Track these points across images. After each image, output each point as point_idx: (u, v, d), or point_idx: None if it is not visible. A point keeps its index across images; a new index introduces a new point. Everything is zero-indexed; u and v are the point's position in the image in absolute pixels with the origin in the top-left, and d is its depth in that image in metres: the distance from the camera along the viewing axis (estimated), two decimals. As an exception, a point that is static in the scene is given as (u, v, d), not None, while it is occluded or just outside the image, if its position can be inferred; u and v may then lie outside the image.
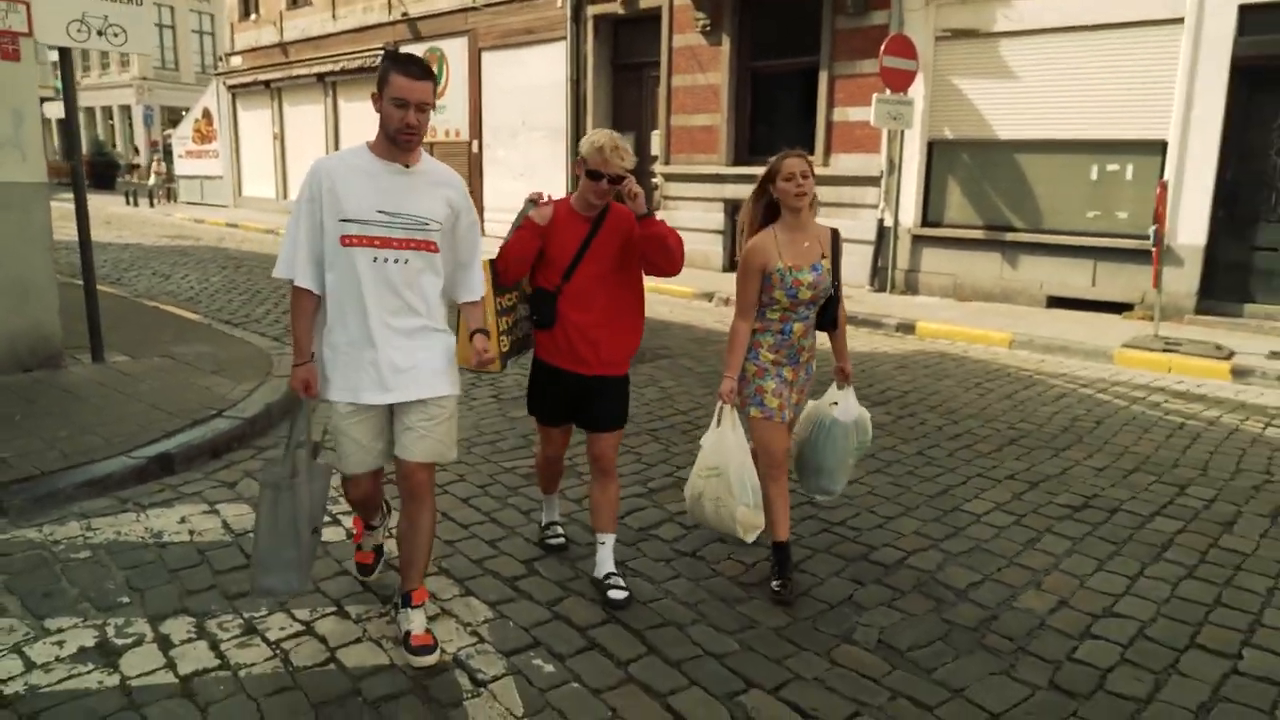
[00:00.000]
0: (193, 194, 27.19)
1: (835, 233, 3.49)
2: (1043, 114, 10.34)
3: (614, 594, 3.27)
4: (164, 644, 2.95)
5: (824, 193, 11.39)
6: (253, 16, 23.71)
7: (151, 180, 27.52)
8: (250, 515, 3.93)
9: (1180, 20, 9.29)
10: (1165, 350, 8.11)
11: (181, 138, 27.80)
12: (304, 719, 2.60)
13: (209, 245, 16.29)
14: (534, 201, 3.26)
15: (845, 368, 3.68)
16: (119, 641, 2.96)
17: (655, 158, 14.17)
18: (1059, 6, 10.04)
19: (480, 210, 17.17)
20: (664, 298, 10.87)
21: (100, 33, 5.72)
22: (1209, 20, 9.14)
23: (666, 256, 3.22)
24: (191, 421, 4.96)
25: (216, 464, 4.66)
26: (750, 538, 3.29)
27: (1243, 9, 8.98)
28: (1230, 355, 7.92)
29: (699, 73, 13.25)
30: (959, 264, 11.10)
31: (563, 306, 3.24)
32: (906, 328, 9.39)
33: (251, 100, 24.14)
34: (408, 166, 2.77)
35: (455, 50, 17.29)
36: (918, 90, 10.93)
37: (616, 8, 14.15)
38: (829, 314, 3.46)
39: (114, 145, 38.03)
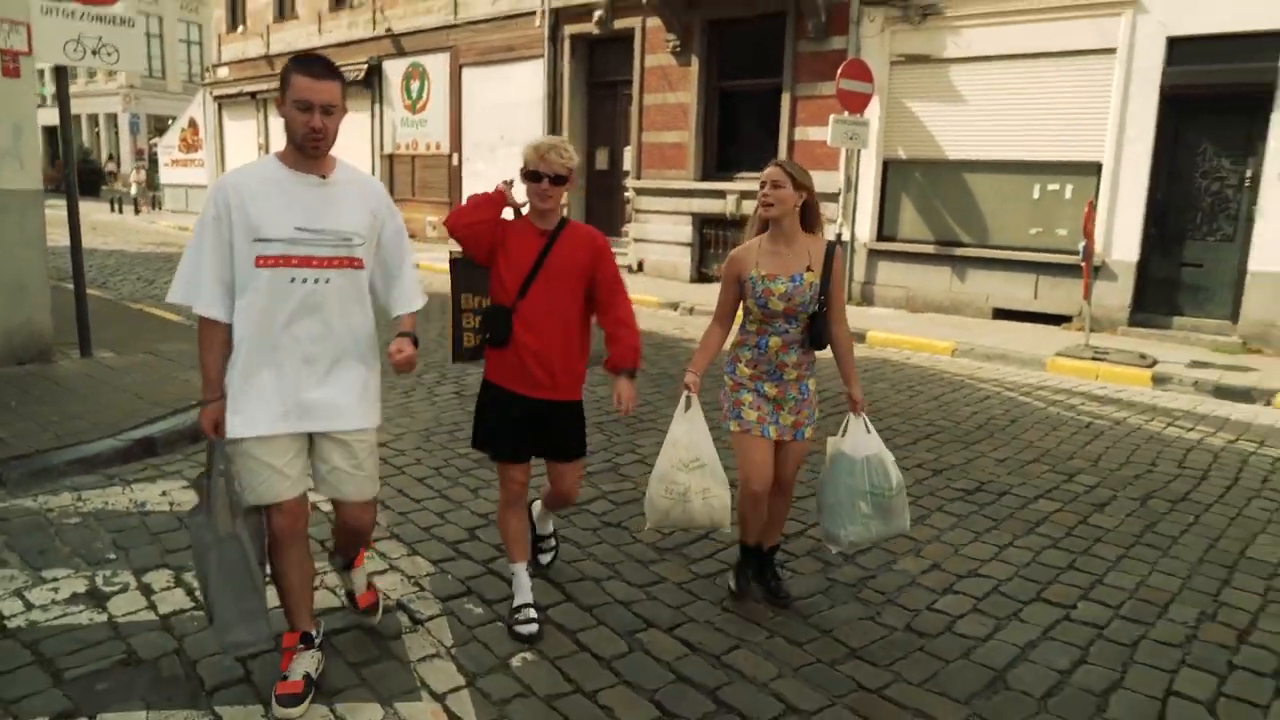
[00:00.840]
0: (178, 202, 27.58)
1: (831, 246, 3.29)
2: (989, 136, 10.95)
3: (542, 557, 3.61)
4: (146, 590, 3.41)
5: (784, 208, 12.03)
6: (240, 28, 24.16)
7: (133, 189, 27.90)
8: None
9: (1113, 50, 9.92)
10: (1094, 359, 8.67)
11: (168, 147, 28.21)
12: (265, 648, 3.06)
13: (193, 252, 16.69)
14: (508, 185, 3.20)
15: (853, 393, 3.36)
16: (107, 589, 3.41)
17: (628, 173, 14.70)
18: (1002, 35, 10.66)
19: (459, 221, 17.73)
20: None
21: (94, 52, 6.19)
22: (1139, 51, 9.78)
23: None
24: (172, 410, 5.41)
25: (195, 448, 5.10)
26: (727, 528, 3.33)
27: (1171, 41, 9.61)
28: (1153, 364, 8.49)
29: (669, 91, 13.81)
30: (912, 277, 11.67)
31: (517, 326, 3.10)
32: (858, 336, 9.91)
33: (238, 111, 24.57)
34: (324, 177, 2.60)
35: (437, 65, 17.81)
36: (873, 112, 11.51)
37: (592, 28, 14.71)
38: (815, 330, 3.24)
39: (100, 153, 38.31)
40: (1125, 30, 9.80)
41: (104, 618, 3.20)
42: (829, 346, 3.33)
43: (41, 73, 23.92)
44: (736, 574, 3.54)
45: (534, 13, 15.50)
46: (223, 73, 25.03)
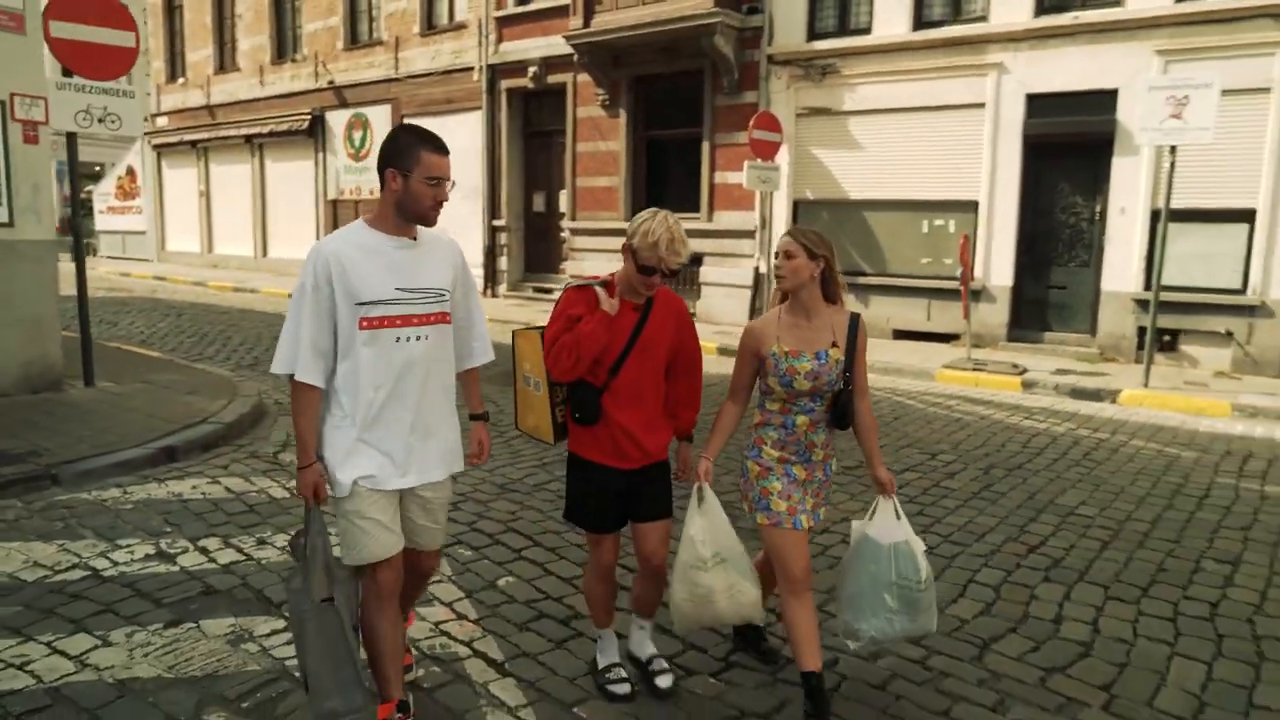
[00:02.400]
0: (114, 248, 27.81)
1: (855, 319, 3.05)
2: (883, 178, 12.45)
3: (661, 680, 3.19)
4: (203, 551, 4.34)
5: (708, 244, 13.45)
6: (180, 80, 24.80)
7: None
8: (248, 491, 5.34)
9: (983, 105, 11.52)
10: (975, 369, 10.08)
11: (104, 194, 28.43)
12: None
13: (143, 296, 17.27)
14: (606, 285, 3.02)
15: (879, 475, 3.11)
16: (172, 551, 4.34)
17: (564, 214, 15.89)
18: (891, 91, 12.21)
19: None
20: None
21: (100, 120, 7.12)
22: (1005, 106, 11.39)
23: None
24: (184, 425, 6.30)
25: (208, 455, 6.01)
26: (762, 615, 3.21)
27: (1030, 97, 11.24)
28: (1024, 372, 9.92)
29: (600, 140, 15.09)
30: None
31: (607, 404, 3.00)
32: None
33: (177, 159, 25.12)
34: (414, 239, 2.69)
35: (379, 116, 18.81)
36: (783, 158, 12.92)
37: (527, 82, 15.95)
38: (839, 409, 3.00)
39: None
40: (992, 88, 11.42)
41: (176, 568, 4.13)
42: (851, 427, 3.09)
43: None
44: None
45: (472, 68, 16.70)
46: (162, 122, 25.56)
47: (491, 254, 16.97)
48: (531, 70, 15.72)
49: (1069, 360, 10.76)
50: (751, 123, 12.34)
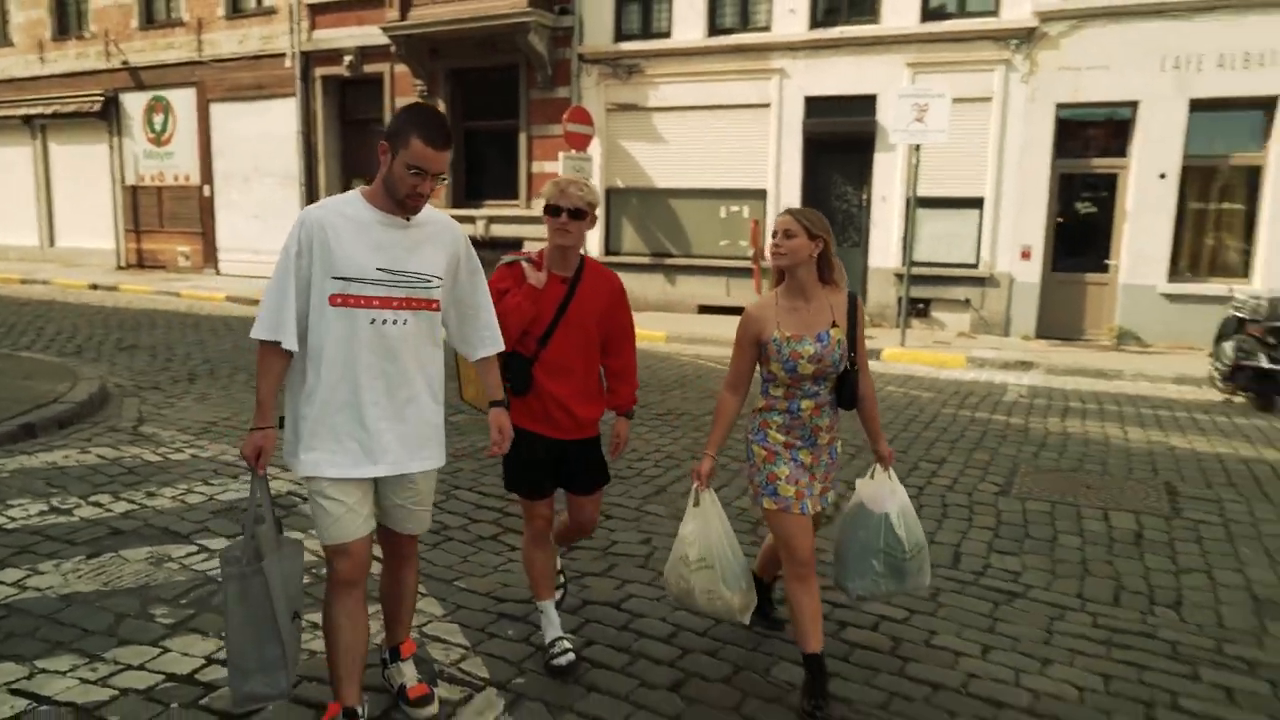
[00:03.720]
0: None
1: (854, 298, 3.06)
2: (686, 168, 13.80)
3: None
4: (97, 504, 4.83)
5: (527, 230, 14.30)
6: (-60, 54, 22.65)
7: None
8: (122, 457, 5.77)
9: (768, 105, 13.08)
10: (767, 337, 11.58)
11: None
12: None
13: (-82, 289, 16.01)
14: (532, 261, 3.10)
15: (881, 449, 3.20)
16: (64, 506, 4.79)
17: (385, 201, 16.21)
18: (690, 91, 13.56)
19: (214, 251, 18.28)
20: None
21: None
22: (786, 107, 12.99)
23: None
24: (36, 405, 6.53)
25: (68, 431, 6.30)
26: (747, 618, 3.18)
27: (808, 99, 12.90)
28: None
29: (420, 130, 15.54)
30: (633, 283, 14.19)
31: (538, 374, 3.09)
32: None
33: (-60, 140, 22.94)
34: (408, 220, 2.57)
35: (183, 100, 18.26)
36: (595, 149, 13.99)
37: (343, 70, 16.13)
38: (845, 390, 3.01)
39: None
40: (775, 91, 12.99)
41: (76, 518, 4.61)
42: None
43: None
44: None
45: (284, 55, 16.65)
46: (-82, 99, 23.21)
47: (311, 241, 17.00)
48: (347, 59, 15.93)
49: (845, 327, 12.50)
50: (565, 116, 13.32)
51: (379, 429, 2.58)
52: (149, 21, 18.76)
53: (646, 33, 13.96)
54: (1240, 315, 8.67)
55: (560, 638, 3.22)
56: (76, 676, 3.09)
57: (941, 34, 12.11)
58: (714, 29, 13.46)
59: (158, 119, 18.79)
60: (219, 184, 18.17)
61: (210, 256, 18.41)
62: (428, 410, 2.70)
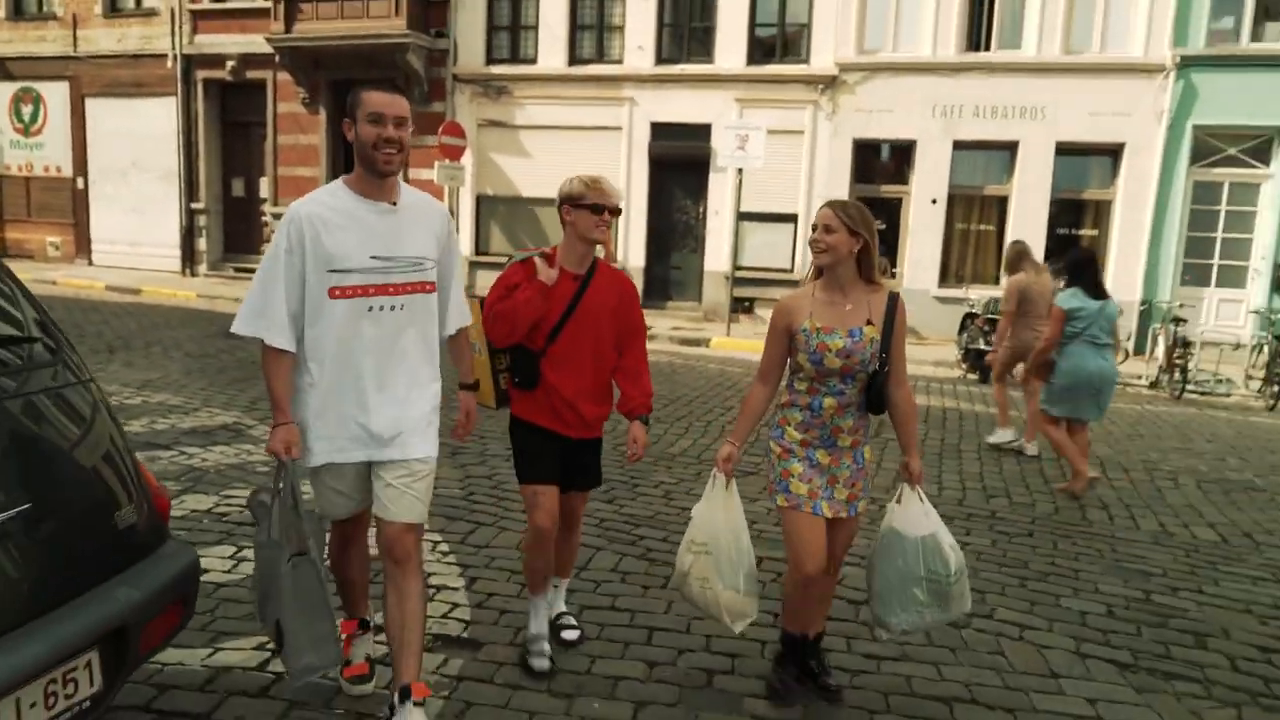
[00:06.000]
0: None
1: (894, 298, 2.93)
2: (548, 180, 15.33)
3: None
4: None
5: (405, 230, 15.67)
6: None
7: None
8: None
9: (620, 128, 15.09)
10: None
11: None
12: (174, 441, 6.12)
13: None
14: (546, 257, 3.07)
15: (911, 464, 3.01)
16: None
17: (265, 199, 17.28)
18: (552, 112, 15.41)
19: (88, 242, 18.74)
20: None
21: None
22: (635, 130, 15.04)
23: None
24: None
25: None
26: (738, 627, 2.96)
27: (653, 125, 14.97)
28: (650, 328, 13.57)
29: (301, 134, 16.76)
30: None
31: (545, 369, 3.07)
32: (464, 321, 13.92)
33: None
34: (394, 204, 2.59)
35: (56, 93, 18.60)
36: (467, 160, 15.57)
37: (225, 75, 17.08)
38: (873, 391, 2.89)
39: None
40: (626, 116, 15.02)
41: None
42: (887, 412, 2.98)
43: None
44: (776, 669, 3.14)
45: (165, 55, 17.41)
46: None
47: (190, 235, 17.81)
48: (230, 64, 16.89)
49: (683, 320, 14.65)
50: (440, 129, 14.84)
51: (381, 414, 2.60)
52: (17, 13, 18.97)
53: (515, 58, 15.72)
54: (972, 311, 11.31)
55: (541, 636, 3.24)
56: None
57: (763, 75, 14.45)
58: (574, 59, 15.36)
59: (26, 109, 19.01)
60: (94, 177, 18.60)
61: (83, 247, 18.79)
62: (428, 394, 2.72)
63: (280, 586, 2.49)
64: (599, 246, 3.19)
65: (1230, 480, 6.48)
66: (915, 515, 2.96)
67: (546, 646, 3.22)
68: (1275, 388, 10.12)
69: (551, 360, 3.07)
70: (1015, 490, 5.95)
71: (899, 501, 3.01)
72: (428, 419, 2.72)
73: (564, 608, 3.49)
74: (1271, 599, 4.24)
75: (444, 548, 4.33)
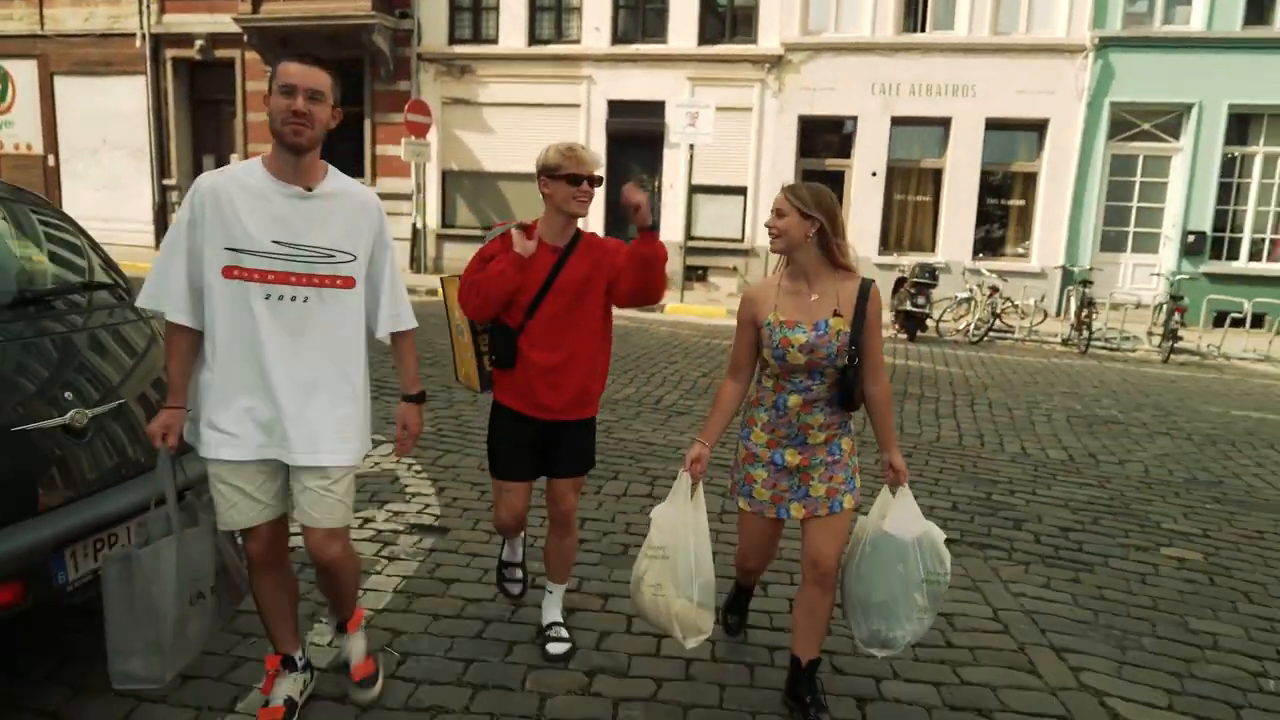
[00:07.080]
0: None
1: (866, 286, 2.72)
2: (511, 155, 16.32)
3: (552, 647, 3.14)
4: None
5: (373, 204, 16.36)
6: None
7: None
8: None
9: (579, 106, 15.83)
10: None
11: None
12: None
13: None
14: (523, 227, 2.93)
15: (893, 461, 2.78)
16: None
17: (236, 175, 17.81)
18: (513, 90, 16.12)
19: (67, 217, 19.16)
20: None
21: None
22: (594, 107, 15.79)
23: (656, 280, 2.94)
24: None
25: None
26: (690, 643, 2.76)
27: (610, 103, 15.74)
28: (609, 297, 14.44)
29: (270, 112, 17.27)
30: (467, 252, 16.09)
31: (524, 345, 2.93)
32: (430, 292, 14.66)
33: None
34: (309, 189, 2.41)
35: (24, 71, 18.91)
36: (433, 136, 16.26)
37: (194, 54, 17.54)
38: (844, 387, 2.68)
39: None
40: (585, 94, 15.77)
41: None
42: (863, 406, 2.78)
43: None
44: (725, 609, 3.17)
45: (133, 35, 17.82)
46: None
47: (163, 210, 18.32)
48: (199, 43, 17.35)
49: (641, 289, 15.49)
50: (406, 107, 15.51)
51: (285, 412, 2.42)
52: (-17, -8, 19.23)
53: (477, 38, 16.36)
54: (903, 276, 12.29)
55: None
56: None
57: (713, 55, 15.25)
58: (534, 39, 16.04)
59: (-5, 88, 19.33)
60: (65, 154, 19.00)
61: (56, 223, 19.19)
62: (338, 399, 2.51)
63: (106, 584, 2.32)
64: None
65: (1097, 415, 7.51)
66: (905, 515, 2.77)
67: (519, 573, 3.39)
68: (1170, 343, 11.22)
69: (530, 336, 2.93)
70: (909, 425, 6.91)
71: (883, 510, 2.82)
72: (341, 423, 2.51)
73: (557, 617, 3.25)
74: (1088, 497, 5.24)
75: (416, 468, 5.20)
